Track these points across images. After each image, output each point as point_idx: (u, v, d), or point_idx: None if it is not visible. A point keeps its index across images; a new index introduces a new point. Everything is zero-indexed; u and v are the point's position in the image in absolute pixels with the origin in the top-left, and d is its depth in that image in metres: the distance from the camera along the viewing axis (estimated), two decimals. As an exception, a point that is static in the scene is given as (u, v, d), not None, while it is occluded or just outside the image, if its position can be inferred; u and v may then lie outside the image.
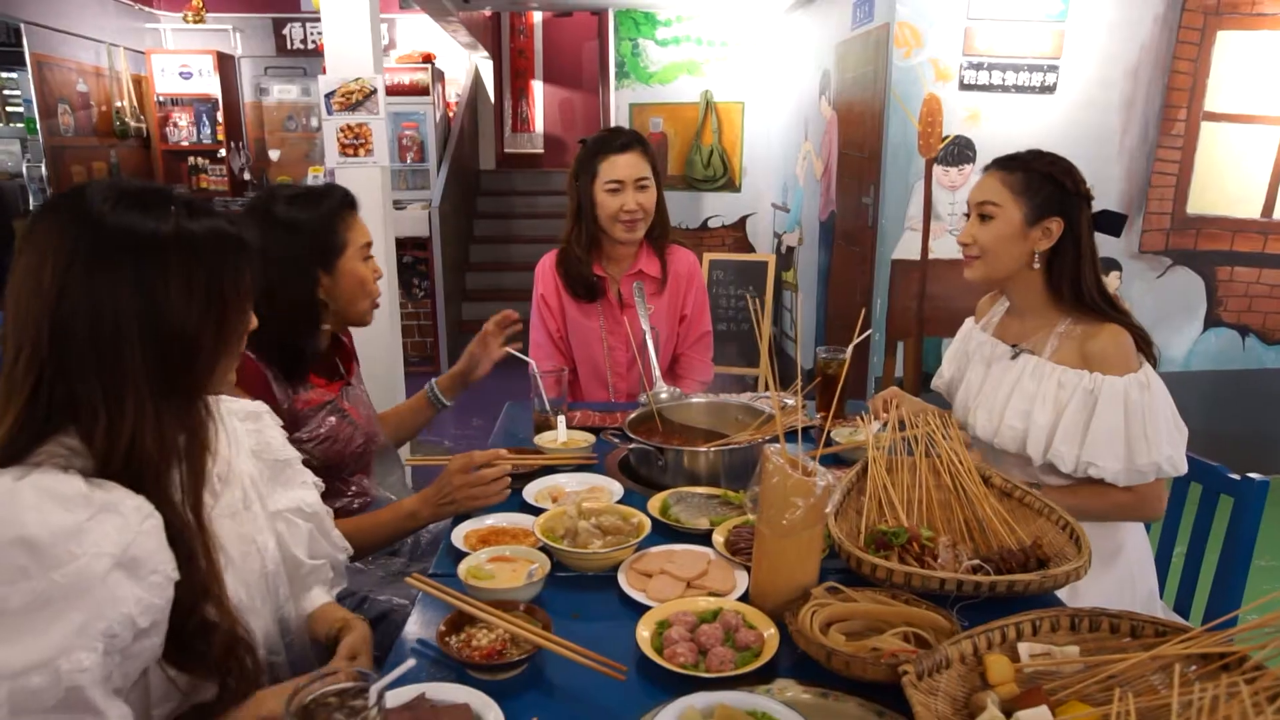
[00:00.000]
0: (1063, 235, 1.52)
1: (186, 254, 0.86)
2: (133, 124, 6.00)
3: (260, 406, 1.18)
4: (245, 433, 1.11)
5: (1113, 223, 1.56)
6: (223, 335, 0.90)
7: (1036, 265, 1.54)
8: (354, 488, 1.65)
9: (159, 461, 0.85)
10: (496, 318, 1.86)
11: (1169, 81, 3.38)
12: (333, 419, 1.57)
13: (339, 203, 1.54)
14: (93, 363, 0.82)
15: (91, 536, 0.77)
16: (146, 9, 6.29)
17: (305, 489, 1.17)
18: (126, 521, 0.79)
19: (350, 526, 1.34)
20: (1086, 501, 1.49)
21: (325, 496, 1.21)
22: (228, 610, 0.92)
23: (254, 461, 1.10)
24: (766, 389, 3.75)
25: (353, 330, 1.72)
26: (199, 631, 0.87)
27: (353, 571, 1.46)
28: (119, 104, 5.90)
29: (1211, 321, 3.64)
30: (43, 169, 5.24)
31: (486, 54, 7.50)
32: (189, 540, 0.86)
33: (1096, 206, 1.57)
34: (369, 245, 1.58)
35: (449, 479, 1.37)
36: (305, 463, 1.20)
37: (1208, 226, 3.55)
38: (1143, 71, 3.36)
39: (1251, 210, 3.54)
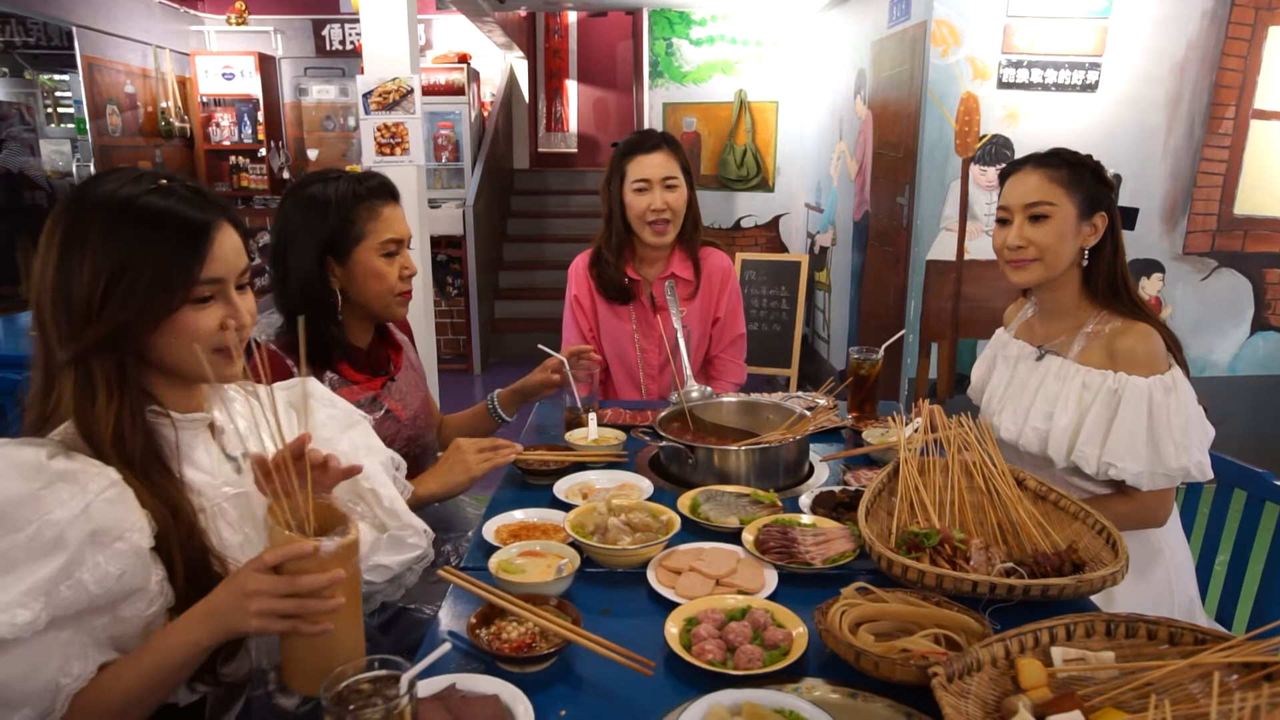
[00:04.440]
0: (1107, 228, 1.50)
1: (108, 224, 0.89)
2: (177, 124, 6.15)
3: (357, 415, 1.20)
4: (288, 421, 1.12)
5: (1128, 217, 1.53)
6: (129, 306, 0.88)
7: (1086, 261, 1.52)
8: None
9: (114, 429, 0.89)
10: (574, 353, 1.83)
11: (1217, 79, 3.29)
12: (373, 418, 1.56)
13: (365, 190, 1.46)
14: (41, 334, 0.89)
15: (45, 504, 0.81)
16: (191, 12, 6.44)
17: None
18: (83, 490, 0.83)
19: None
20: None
21: None
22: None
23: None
24: (798, 389, 3.73)
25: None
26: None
27: None
28: (164, 104, 6.04)
29: (1259, 325, 3.55)
30: (91, 168, 5.39)
31: (521, 54, 7.55)
32: (174, 508, 0.91)
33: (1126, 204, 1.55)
34: (397, 241, 1.49)
35: (456, 448, 1.45)
36: None
37: (1256, 228, 3.45)
38: (1189, 68, 3.28)
39: (1302, 211, 3.44)
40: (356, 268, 1.47)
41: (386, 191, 1.50)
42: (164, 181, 0.93)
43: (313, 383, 1.19)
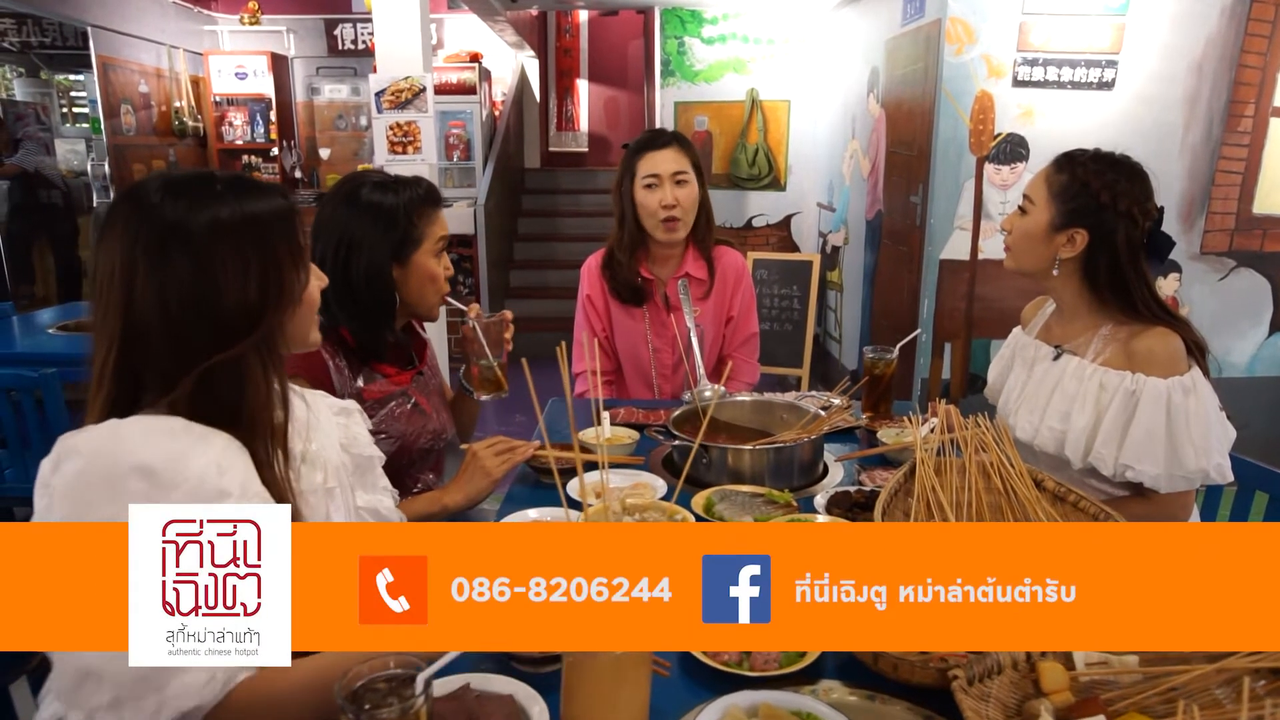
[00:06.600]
0: (1094, 248, 1.46)
1: (237, 236, 0.90)
2: (190, 123, 6.19)
3: (352, 405, 1.21)
4: (335, 425, 1.14)
5: (1159, 247, 1.48)
6: (282, 299, 0.94)
7: (1056, 271, 1.49)
8: (419, 485, 1.65)
9: (243, 416, 0.92)
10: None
11: (1236, 76, 3.26)
12: (401, 411, 1.56)
13: (421, 196, 1.53)
14: (167, 346, 0.88)
15: (197, 461, 0.84)
16: (205, 12, 6.48)
17: (384, 494, 1.20)
18: (225, 449, 0.88)
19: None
20: None
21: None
22: None
23: (342, 454, 1.13)
24: (810, 389, 3.71)
25: None
26: None
27: None
28: (178, 104, 6.08)
29: (1278, 326, 3.51)
30: (106, 167, 5.43)
31: (533, 53, 7.56)
32: (279, 485, 0.93)
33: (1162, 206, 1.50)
34: (444, 239, 1.57)
35: (473, 455, 1.47)
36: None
37: (1275, 227, 3.42)
38: (1208, 66, 3.24)
39: (1323, 210, 3.40)
40: (415, 271, 1.52)
41: (435, 197, 1.57)
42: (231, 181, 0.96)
43: (354, 405, 1.23)
